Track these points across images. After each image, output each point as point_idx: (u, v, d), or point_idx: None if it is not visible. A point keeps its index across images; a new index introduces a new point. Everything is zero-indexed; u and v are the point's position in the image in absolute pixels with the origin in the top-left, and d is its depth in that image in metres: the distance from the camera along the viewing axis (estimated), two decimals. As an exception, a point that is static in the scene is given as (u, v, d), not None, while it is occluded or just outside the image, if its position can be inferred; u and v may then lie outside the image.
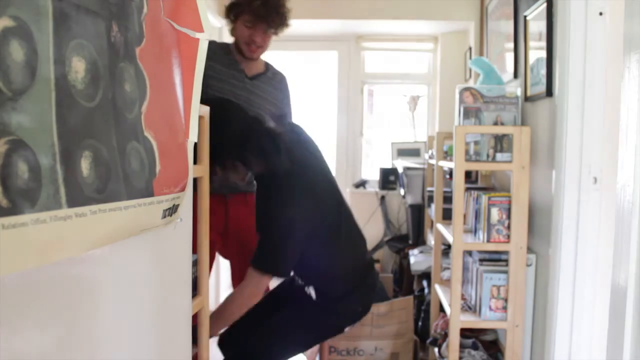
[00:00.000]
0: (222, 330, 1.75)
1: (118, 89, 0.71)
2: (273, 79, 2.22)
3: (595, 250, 1.82)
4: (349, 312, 1.82)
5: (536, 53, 2.16)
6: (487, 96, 2.22)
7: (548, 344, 1.92)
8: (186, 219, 1.06)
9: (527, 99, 2.24)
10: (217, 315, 1.68)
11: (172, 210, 0.91)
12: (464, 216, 2.22)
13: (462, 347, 2.21)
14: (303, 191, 1.67)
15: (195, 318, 1.36)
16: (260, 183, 1.77)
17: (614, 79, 1.69)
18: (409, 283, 3.34)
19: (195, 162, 1.28)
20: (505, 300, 2.04)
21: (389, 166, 3.87)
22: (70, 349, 0.69)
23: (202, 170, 1.45)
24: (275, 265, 1.67)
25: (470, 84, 3.28)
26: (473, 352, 2.22)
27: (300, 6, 3.69)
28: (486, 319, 2.07)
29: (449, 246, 2.18)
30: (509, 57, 2.60)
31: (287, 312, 1.82)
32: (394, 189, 3.79)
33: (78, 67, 0.62)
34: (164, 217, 0.88)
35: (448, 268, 2.57)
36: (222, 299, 3.82)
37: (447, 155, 2.60)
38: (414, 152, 3.89)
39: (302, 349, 1.93)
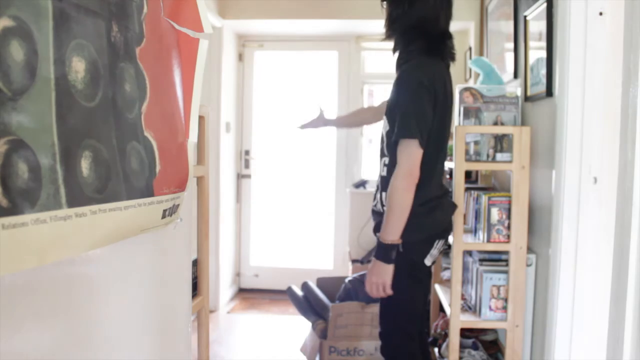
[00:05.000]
0: (399, 232, 1.65)
1: (118, 89, 0.71)
2: None
3: (595, 250, 1.82)
4: (441, 218, 1.81)
5: (536, 53, 2.16)
6: (487, 96, 2.22)
7: (548, 344, 1.92)
8: (186, 219, 1.06)
9: (527, 99, 2.24)
10: (388, 219, 1.65)
11: (172, 210, 0.91)
12: (464, 216, 2.22)
13: (462, 347, 2.21)
14: (437, 70, 1.70)
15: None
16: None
17: (614, 79, 1.69)
18: (409, 283, 3.34)
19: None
20: (505, 300, 2.04)
21: (389, 166, 3.87)
22: (70, 349, 0.69)
23: (203, 170, 1.45)
24: (415, 126, 1.63)
25: (470, 84, 3.28)
26: (473, 352, 2.22)
27: (300, 6, 3.71)
28: (486, 319, 2.07)
29: (449, 246, 2.18)
30: (509, 57, 2.60)
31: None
32: (394, 189, 3.78)
33: (78, 67, 0.62)
34: (164, 217, 0.88)
35: (448, 268, 2.57)
36: (222, 298, 3.85)
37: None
38: (414, 152, 3.88)
39: (424, 290, 1.88)
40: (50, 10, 0.57)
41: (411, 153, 1.63)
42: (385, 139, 1.76)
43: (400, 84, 1.70)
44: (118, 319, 0.82)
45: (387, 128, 1.74)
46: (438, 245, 1.78)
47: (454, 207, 1.89)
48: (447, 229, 1.84)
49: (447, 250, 2.64)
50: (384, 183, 1.73)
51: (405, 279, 1.74)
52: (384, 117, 1.77)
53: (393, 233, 1.65)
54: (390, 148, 1.73)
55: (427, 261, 1.77)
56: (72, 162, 0.60)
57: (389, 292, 1.69)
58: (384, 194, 1.73)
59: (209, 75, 3.62)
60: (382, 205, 1.74)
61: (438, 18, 1.72)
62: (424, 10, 1.70)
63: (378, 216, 1.78)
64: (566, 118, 1.83)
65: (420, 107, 1.64)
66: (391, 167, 1.70)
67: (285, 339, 3.27)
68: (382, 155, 1.78)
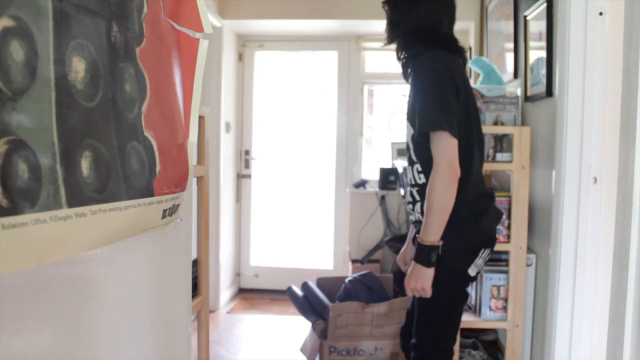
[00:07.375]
0: (440, 233, 1.54)
1: (118, 89, 0.71)
2: None
3: (595, 250, 1.82)
4: (487, 226, 1.67)
5: (536, 53, 2.16)
6: (487, 96, 2.22)
7: (548, 344, 1.92)
8: (186, 219, 1.06)
9: (527, 99, 2.24)
10: (428, 219, 1.53)
11: (172, 210, 0.91)
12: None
13: (462, 347, 2.21)
14: (452, 60, 1.62)
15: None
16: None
17: (614, 79, 1.69)
18: (409, 283, 3.33)
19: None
20: (505, 300, 2.04)
21: (389, 166, 3.87)
22: (70, 349, 0.69)
23: (203, 170, 1.45)
24: (441, 116, 1.52)
25: (470, 84, 3.27)
26: (473, 352, 2.22)
27: (300, 6, 3.71)
28: (486, 319, 2.07)
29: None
30: (509, 57, 2.60)
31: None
32: (394, 189, 3.79)
33: (78, 67, 0.62)
34: (164, 217, 0.88)
35: (448, 268, 2.56)
36: (222, 298, 3.85)
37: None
38: (414, 152, 3.88)
39: (462, 303, 1.73)
40: (50, 10, 0.57)
41: (445, 146, 1.51)
42: (411, 145, 1.65)
43: (416, 79, 1.60)
44: (118, 319, 0.82)
45: (412, 132, 1.63)
46: (484, 254, 1.64)
47: (500, 214, 1.75)
48: (494, 237, 1.69)
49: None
50: (424, 191, 1.59)
51: (448, 292, 1.63)
52: (407, 123, 1.67)
53: (433, 234, 1.53)
54: (419, 152, 1.62)
55: (472, 271, 1.63)
56: (72, 162, 0.60)
57: (429, 295, 1.58)
58: (426, 202, 1.59)
59: (209, 75, 3.63)
60: (422, 214, 1.63)
61: (441, 22, 1.65)
62: (427, 15, 1.63)
63: (419, 225, 1.65)
64: (566, 118, 1.83)
65: (442, 95, 1.54)
66: (427, 171, 1.58)
67: (285, 339, 3.27)
68: (411, 163, 1.65)
